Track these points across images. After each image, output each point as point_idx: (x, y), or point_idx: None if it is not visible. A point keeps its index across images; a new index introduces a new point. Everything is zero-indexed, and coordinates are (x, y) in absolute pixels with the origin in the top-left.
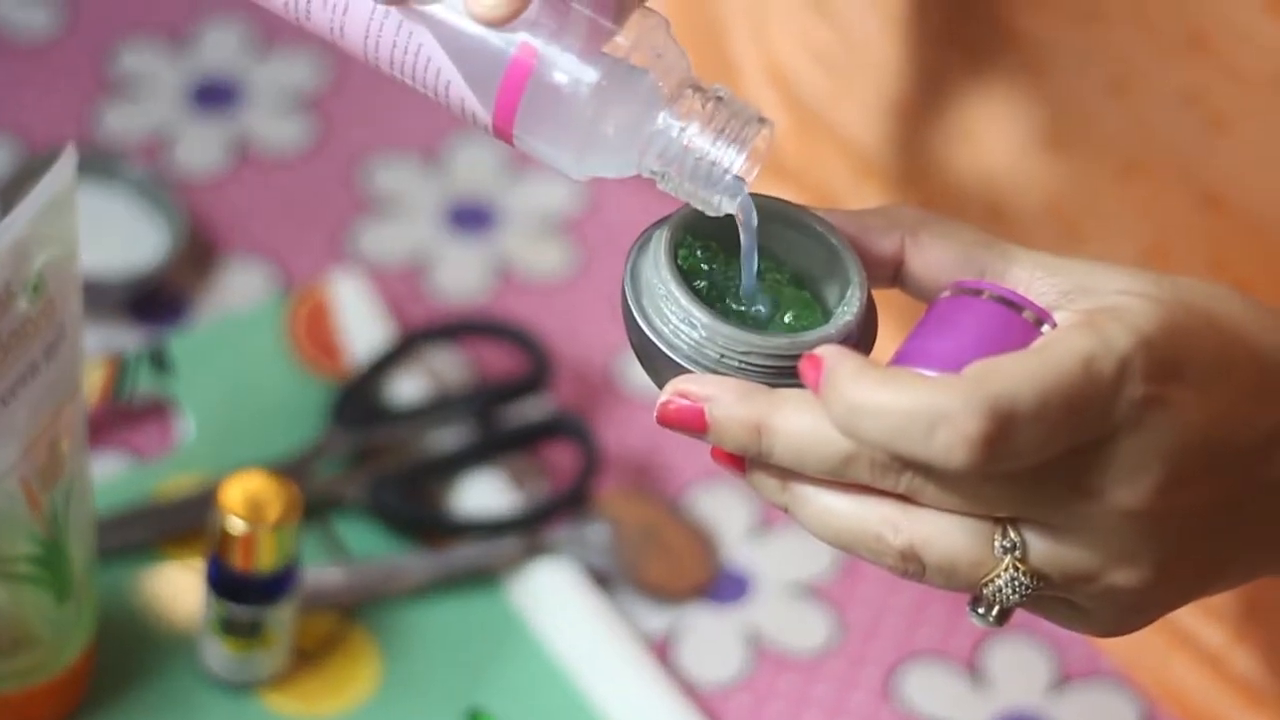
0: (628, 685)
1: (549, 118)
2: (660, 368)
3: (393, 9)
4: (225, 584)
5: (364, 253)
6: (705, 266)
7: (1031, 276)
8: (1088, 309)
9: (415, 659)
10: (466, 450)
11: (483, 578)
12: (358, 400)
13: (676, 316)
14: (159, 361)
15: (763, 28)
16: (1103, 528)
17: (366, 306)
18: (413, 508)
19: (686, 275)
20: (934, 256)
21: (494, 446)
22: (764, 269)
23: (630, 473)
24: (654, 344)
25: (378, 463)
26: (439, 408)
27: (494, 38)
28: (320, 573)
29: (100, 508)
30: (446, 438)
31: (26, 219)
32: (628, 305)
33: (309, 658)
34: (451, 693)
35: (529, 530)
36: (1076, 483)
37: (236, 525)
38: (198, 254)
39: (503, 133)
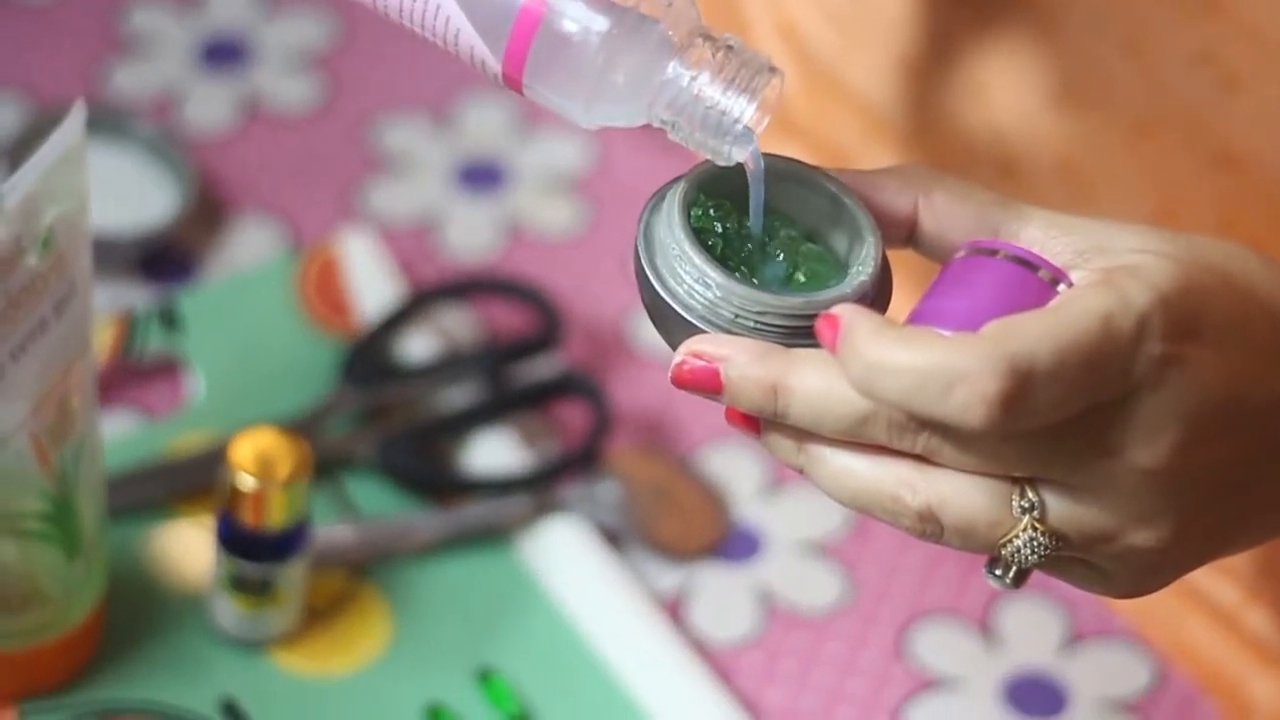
0: (639, 643)
1: (559, 67)
2: (674, 328)
3: None
4: (236, 541)
5: (374, 211)
6: (719, 226)
7: (1046, 235)
8: (1105, 267)
9: (426, 617)
10: (477, 408)
11: (493, 536)
12: (368, 358)
13: (691, 276)
14: (169, 319)
15: None
16: (1122, 487)
17: (376, 264)
18: (423, 466)
19: (700, 234)
20: (948, 216)
21: (504, 405)
22: (778, 227)
23: (641, 431)
24: (668, 304)
25: (388, 421)
26: (449, 366)
27: None
28: (330, 531)
29: (110, 465)
30: (457, 396)
31: (37, 174)
32: (640, 265)
33: (319, 616)
34: (462, 651)
35: (539, 488)
36: (1095, 441)
37: (247, 482)
38: (207, 212)
39: (512, 81)
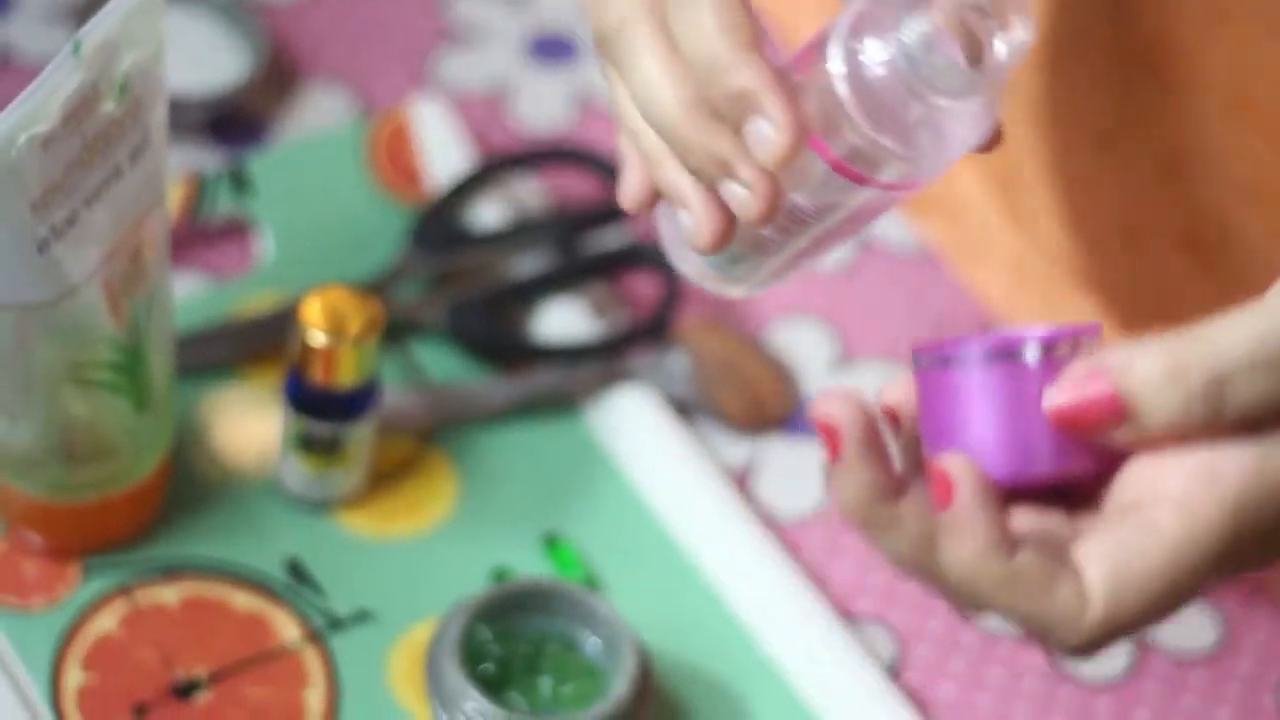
0: (705, 513)
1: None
2: None
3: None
4: (305, 399)
5: (445, 80)
6: (495, 649)
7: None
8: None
9: (492, 483)
10: (546, 276)
11: (561, 404)
12: (437, 224)
13: (471, 709)
14: (239, 181)
15: None
16: None
17: (447, 131)
18: (492, 332)
19: (477, 660)
20: None
21: (575, 274)
22: (545, 643)
23: (710, 304)
24: None
25: (457, 287)
26: (519, 233)
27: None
28: (398, 396)
29: (178, 326)
30: (526, 264)
31: (115, 19)
32: (429, 697)
33: (386, 480)
34: (528, 517)
35: (608, 357)
36: None
37: (318, 339)
38: (278, 77)
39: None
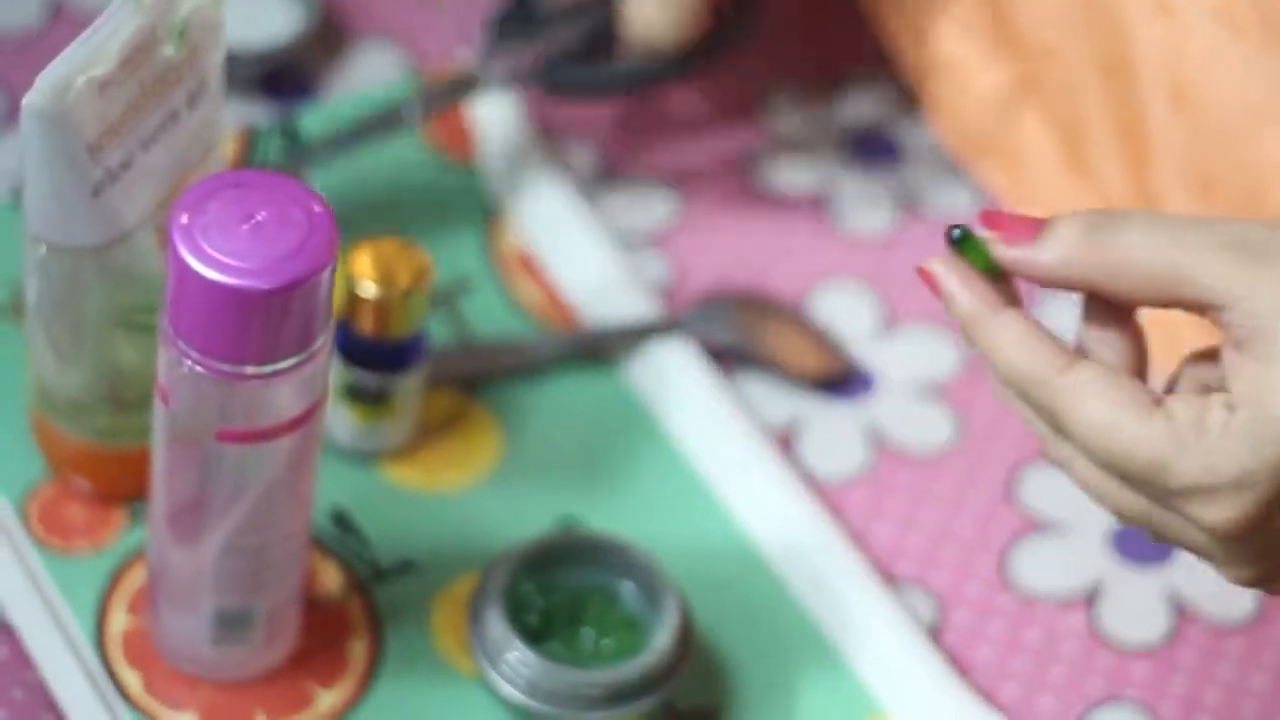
0: (748, 471)
1: None
2: (506, 700)
3: None
4: (353, 350)
5: None
6: (538, 600)
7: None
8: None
9: (537, 437)
10: None
11: (605, 358)
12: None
13: (513, 658)
14: (291, 135)
15: None
16: None
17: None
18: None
19: (521, 610)
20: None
21: None
22: (590, 598)
23: (751, 278)
24: (497, 684)
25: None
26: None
27: None
28: (444, 350)
29: None
30: None
31: None
32: (473, 648)
33: (431, 433)
34: (571, 471)
35: (656, 315)
36: None
37: (368, 289)
38: (330, 34)
39: None
